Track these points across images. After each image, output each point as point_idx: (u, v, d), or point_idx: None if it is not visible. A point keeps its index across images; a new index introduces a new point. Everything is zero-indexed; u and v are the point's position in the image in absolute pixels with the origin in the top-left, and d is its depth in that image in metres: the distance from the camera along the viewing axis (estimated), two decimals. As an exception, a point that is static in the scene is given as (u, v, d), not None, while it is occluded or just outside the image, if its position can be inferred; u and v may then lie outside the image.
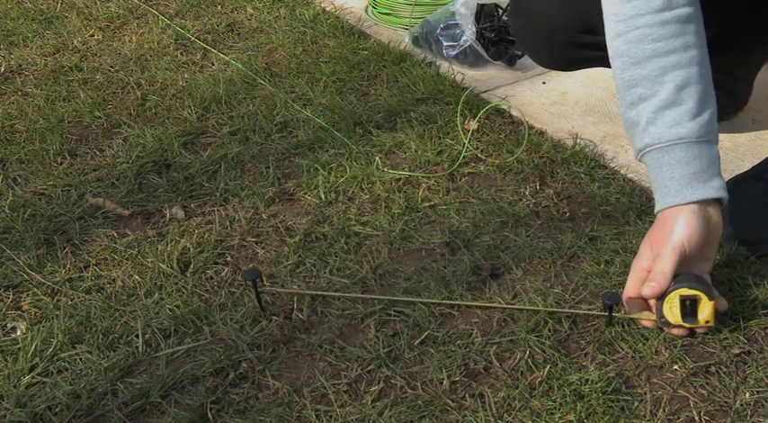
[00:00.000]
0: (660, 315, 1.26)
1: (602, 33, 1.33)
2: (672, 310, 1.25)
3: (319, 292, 1.38)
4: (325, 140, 1.83)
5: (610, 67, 1.34)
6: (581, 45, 1.60)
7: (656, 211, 1.30)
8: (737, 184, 1.49)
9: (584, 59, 1.66)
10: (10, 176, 1.75)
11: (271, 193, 1.67)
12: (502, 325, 1.34)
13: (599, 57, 1.43)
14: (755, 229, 1.44)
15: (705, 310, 1.25)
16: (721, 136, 1.80)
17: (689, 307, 1.24)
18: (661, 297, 1.26)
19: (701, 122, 1.26)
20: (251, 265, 1.48)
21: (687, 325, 1.26)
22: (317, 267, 1.47)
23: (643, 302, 1.30)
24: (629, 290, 1.30)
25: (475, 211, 1.59)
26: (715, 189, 1.26)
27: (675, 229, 1.25)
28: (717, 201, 1.28)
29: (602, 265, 1.46)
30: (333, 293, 1.38)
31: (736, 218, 1.41)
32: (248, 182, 1.71)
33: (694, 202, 1.25)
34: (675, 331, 1.27)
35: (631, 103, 1.29)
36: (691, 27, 1.27)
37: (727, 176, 1.59)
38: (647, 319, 1.29)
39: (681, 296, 1.24)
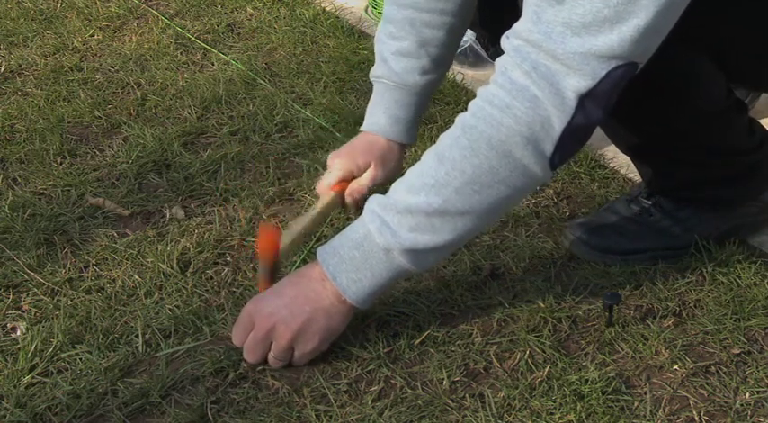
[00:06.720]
0: None
1: None
2: None
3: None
4: (326, 140, 1.83)
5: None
6: None
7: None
8: (612, 204, 1.54)
9: None
10: (10, 176, 1.75)
11: (271, 192, 1.67)
12: (502, 325, 1.34)
13: None
14: (620, 241, 1.47)
15: None
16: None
17: None
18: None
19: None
20: (251, 265, 1.48)
21: None
22: (317, 267, 1.47)
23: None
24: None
25: (475, 211, 1.59)
26: None
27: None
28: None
29: (602, 265, 1.46)
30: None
31: (598, 229, 1.48)
32: (248, 182, 1.71)
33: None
34: None
35: None
36: None
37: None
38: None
39: None
